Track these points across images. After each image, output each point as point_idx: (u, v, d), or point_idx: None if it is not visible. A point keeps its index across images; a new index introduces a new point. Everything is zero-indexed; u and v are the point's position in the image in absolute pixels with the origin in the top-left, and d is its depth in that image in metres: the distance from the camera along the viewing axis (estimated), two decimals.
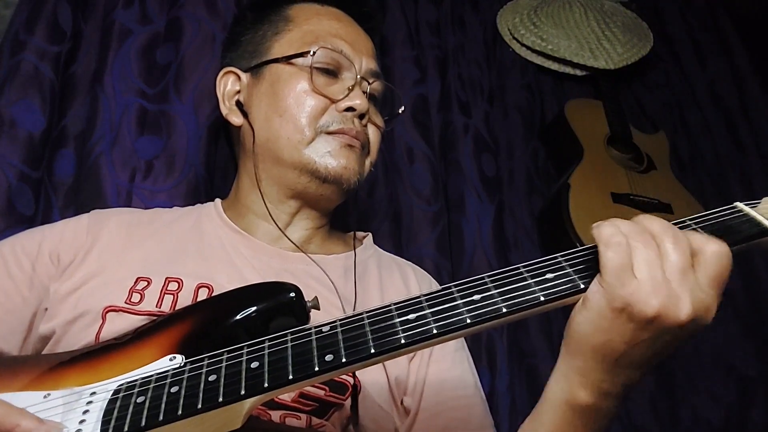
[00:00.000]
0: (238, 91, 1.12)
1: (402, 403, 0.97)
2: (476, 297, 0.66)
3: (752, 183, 1.96)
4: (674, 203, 1.68)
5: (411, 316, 0.66)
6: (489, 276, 0.68)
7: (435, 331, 0.64)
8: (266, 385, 0.63)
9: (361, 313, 0.68)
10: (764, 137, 2.06)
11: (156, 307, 0.91)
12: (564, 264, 0.68)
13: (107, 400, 0.66)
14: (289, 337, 0.67)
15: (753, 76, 2.16)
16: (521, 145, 1.76)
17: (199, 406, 0.62)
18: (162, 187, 1.24)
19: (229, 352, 0.68)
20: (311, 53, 1.05)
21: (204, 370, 0.66)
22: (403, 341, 0.64)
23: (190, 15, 1.37)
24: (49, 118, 1.23)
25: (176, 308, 0.91)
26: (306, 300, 0.74)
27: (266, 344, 0.67)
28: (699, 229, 0.68)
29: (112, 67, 1.30)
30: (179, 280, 0.94)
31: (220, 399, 0.63)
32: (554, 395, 0.73)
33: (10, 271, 0.96)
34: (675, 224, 0.68)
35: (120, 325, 0.86)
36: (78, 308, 0.91)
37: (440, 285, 1.06)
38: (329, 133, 1.03)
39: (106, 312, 0.90)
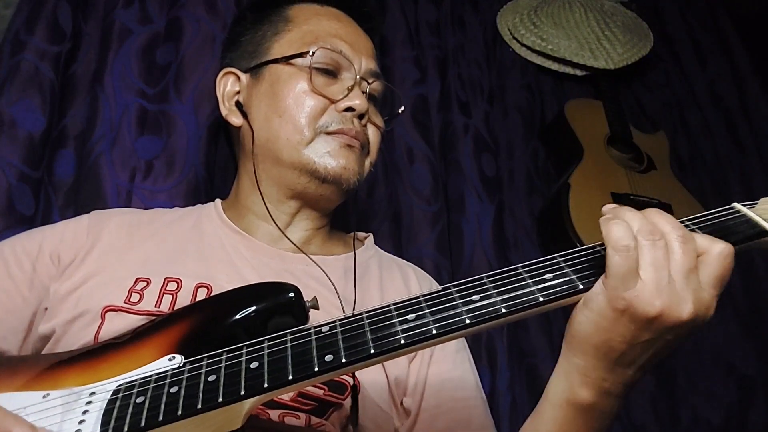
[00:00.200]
0: (238, 92, 1.12)
1: (402, 403, 0.97)
2: (475, 297, 0.66)
3: (752, 183, 1.96)
4: (674, 203, 1.68)
5: (410, 317, 0.66)
6: (488, 276, 0.68)
7: (434, 332, 0.64)
8: (266, 385, 0.63)
9: (361, 314, 0.68)
10: (764, 137, 2.06)
11: (155, 307, 0.91)
12: (563, 264, 0.68)
13: (106, 401, 0.66)
14: (288, 337, 0.67)
15: (753, 76, 2.16)
16: (521, 145, 1.76)
17: (199, 406, 0.63)
18: (162, 187, 1.24)
19: (228, 352, 0.68)
20: (310, 53, 1.05)
21: (203, 370, 0.66)
22: (402, 341, 0.64)
23: (190, 15, 1.37)
24: (49, 118, 1.23)
25: (175, 308, 0.91)
26: (305, 300, 0.74)
27: (266, 344, 0.67)
28: (697, 230, 0.69)
29: (112, 67, 1.30)
30: (178, 280, 0.94)
31: (220, 399, 0.63)
32: (555, 394, 0.73)
33: (10, 271, 0.96)
34: None
35: (119, 324, 0.87)
36: (77, 308, 0.91)
37: (440, 285, 1.06)
38: (329, 134, 1.03)
39: (105, 312, 0.90)
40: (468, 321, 0.65)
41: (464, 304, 0.66)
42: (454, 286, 0.68)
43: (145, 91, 1.32)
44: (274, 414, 0.83)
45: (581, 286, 0.66)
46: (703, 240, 0.66)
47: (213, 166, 1.31)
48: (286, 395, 0.84)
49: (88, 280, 0.94)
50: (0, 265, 0.96)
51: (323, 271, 1.01)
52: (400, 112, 1.19)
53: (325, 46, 1.06)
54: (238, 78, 1.12)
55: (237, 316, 0.73)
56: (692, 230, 0.68)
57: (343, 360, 0.64)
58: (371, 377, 0.91)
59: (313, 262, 1.03)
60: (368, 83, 1.08)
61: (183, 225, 1.07)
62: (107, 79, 1.29)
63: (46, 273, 0.96)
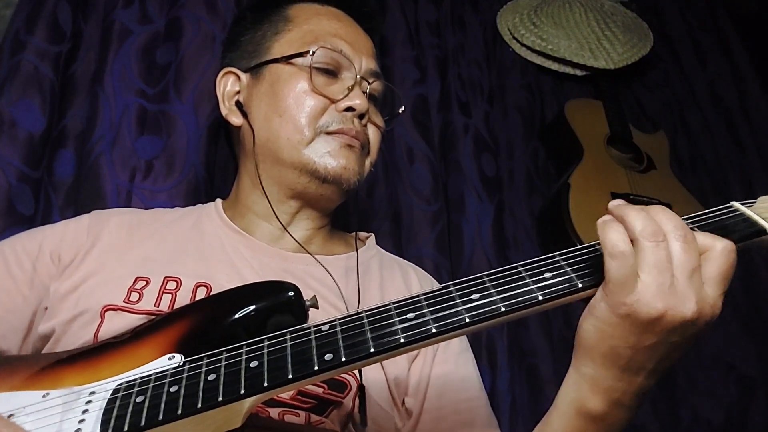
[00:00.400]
0: (238, 92, 1.11)
1: (404, 404, 0.97)
2: (475, 296, 0.66)
3: (752, 183, 1.96)
4: (674, 203, 1.68)
5: (410, 316, 0.66)
6: (488, 275, 0.68)
7: (434, 331, 0.64)
8: (266, 384, 0.63)
9: (361, 313, 0.68)
10: (764, 137, 2.06)
11: (154, 306, 0.91)
12: (562, 263, 0.68)
13: (106, 400, 0.66)
14: (288, 336, 0.67)
15: (753, 76, 2.16)
16: (521, 145, 1.76)
17: (199, 405, 0.63)
18: (162, 187, 1.24)
19: (228, 351, 0.68)
20: (311, 53, 1.05)
21: (203, 369, 0.66)
22: (402, 340, 0.64)
23: (190, 15, 1.37)
24: (49, 118, 1.23)
25: (175, 307, 0.91)
26: (305, 299, 0.74)
27: (265, 343, 0.67)
28: (696, 229, 0.69)
29: (112, 67, 1.30)
30: (178, 279, 0.94)
31: (220, 398, 0.63)
32: (564, 404, 0.73)
33: (10, 270, 0.96)
34: None
35: (118, 324, 0.87)
36: (77, 307, 0.91)
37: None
38: (329, 134, 1.03)
39: (105, 311, 0.90)
40: (467, 320, 0.65)
41: (464, 302, 0.66)
42: (454, 284, 0.68)
43: (145, 91, 1.32)
44: (274, 412, 0.83)
45: (581, 285, 0.66)
46: (704, 238, 0.66)
47: (213, 166, 1.31)
48: (285, 394, 0.84)
49: (88, 280, 0.94)
50: (0, 265, 0.96)
51: (326, 270, 1.01)
52: (400, 111, 1.19)
53: (325, 45, 1.06)
54: (238, 78, 1.12)
55: (236, 315, 0.73)
56: (692, 229, 0.68)
57: (343, 359, 0.64)
58: (371, 376, 0.91)
59: (316, 260, 1.03)
60: (368, 83, 1.08)
61: (183, 225, 1.07)
62: (107, 79, 1.29)
63: (46, 272, 0.96)
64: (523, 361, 1.46)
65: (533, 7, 2.02)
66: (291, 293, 0.74)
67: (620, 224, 0.65)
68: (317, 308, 0.74)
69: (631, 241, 0.64)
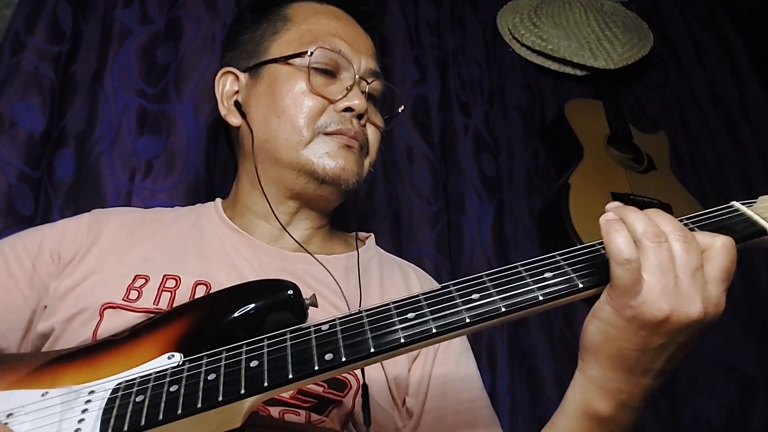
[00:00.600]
0: (237, 92, 1.11)
1: (404, 404, 0.96)
2: (475, 296, 0.66)
3: (752, 183, 1.96)
4: (674, 203, 1.68)
5: (410, 315, 0.66)
6: (488, 275, 0.68)
7: (434, 330, 0.64)
8: (266, 384, 0.63)
9: (361, 312, 0.68)
10: (764, 137, 2.06)
11: (153, 304, 0.91)
12: (563, 263, 0.68)
13: (106, 399, 0.66)
14: (288, 336, 0.67)
15: (753, 76, 2.16)
16: (521, 145, 1.76)
17: (199, 405, 0.62)
18: (162, 187, 1.24)
19: (228, 350, 0.68)
20: (309, 53, 1.04)
21: (203, 368, 0.66)
22: (402, 340, 0.64)
23: (190, 15, 1.37)
24: (49, 118, 1.23)
25: (174, 305, 0.90)
26: (304, 297, 0.74)
27: (265, 343, 0.67)
28: (696, 229, 0.69)
29: (112, 67, 1.30)
30: (177, 278, 0.94)
31: (220, 398, 0.63)
32: (571, 407, 0.73)
33: (10, 269, 0.96)
34: None
35: (117, 322, 0.87)
36: (76, 305, 0.91)
37: None
38: (327, 134, 1.02)
39: (104, 309, 0.90)
40: (467, 320, 0.65)
41: (464, 302, 0.66)
42: (454, 284, 0.68)
43: (145, 90, 1.32)
44: (274, 411, 0.83)
45: (581, 285, 0.66)
46: (703, 237, 0.66)
47: (213, 166, 1.31)
48: (285, 393, 0.84)
49: (88, 278, 0.94)
50: (0, 263, 0.96)
51: (326, 269, 1.01)
52: (399, 111, 1.19)
53: (323, 45, 1.06)
54: (237, 77, 1.12)
55: (236, 314, 0.73)
56: (691, 229, 0.68)
57: (343, 359, 0.64)
58: (371, 375, 0.90)
59: (316, 260, 1.03)
60: (368, 83, 1.08)
61: (183, 224, 1.06)
62: (107, 79, 1.29)
63: (46, 271, 0.96)
64: (523, 362, 1.46)
65: (533, 7, 2.02)
66: (290, 291, 0.74)
67: (624, 227, 0.65)
68: (316, 307, 0.74)
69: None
